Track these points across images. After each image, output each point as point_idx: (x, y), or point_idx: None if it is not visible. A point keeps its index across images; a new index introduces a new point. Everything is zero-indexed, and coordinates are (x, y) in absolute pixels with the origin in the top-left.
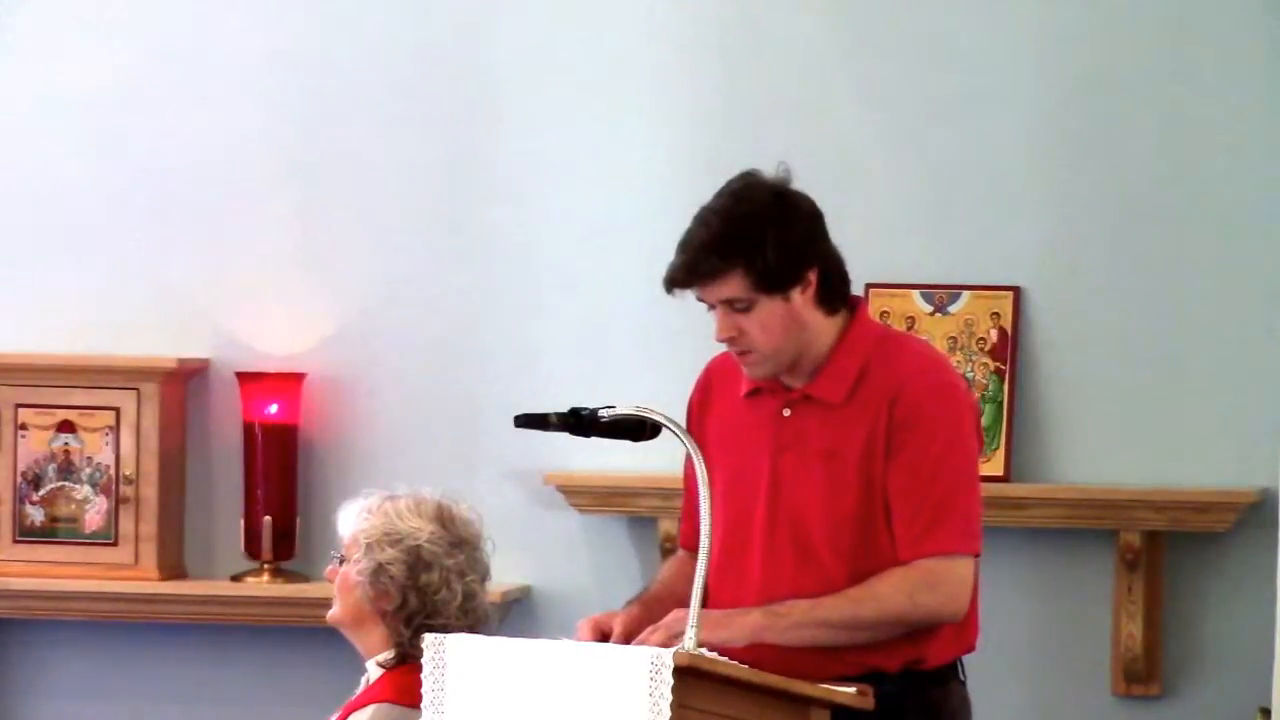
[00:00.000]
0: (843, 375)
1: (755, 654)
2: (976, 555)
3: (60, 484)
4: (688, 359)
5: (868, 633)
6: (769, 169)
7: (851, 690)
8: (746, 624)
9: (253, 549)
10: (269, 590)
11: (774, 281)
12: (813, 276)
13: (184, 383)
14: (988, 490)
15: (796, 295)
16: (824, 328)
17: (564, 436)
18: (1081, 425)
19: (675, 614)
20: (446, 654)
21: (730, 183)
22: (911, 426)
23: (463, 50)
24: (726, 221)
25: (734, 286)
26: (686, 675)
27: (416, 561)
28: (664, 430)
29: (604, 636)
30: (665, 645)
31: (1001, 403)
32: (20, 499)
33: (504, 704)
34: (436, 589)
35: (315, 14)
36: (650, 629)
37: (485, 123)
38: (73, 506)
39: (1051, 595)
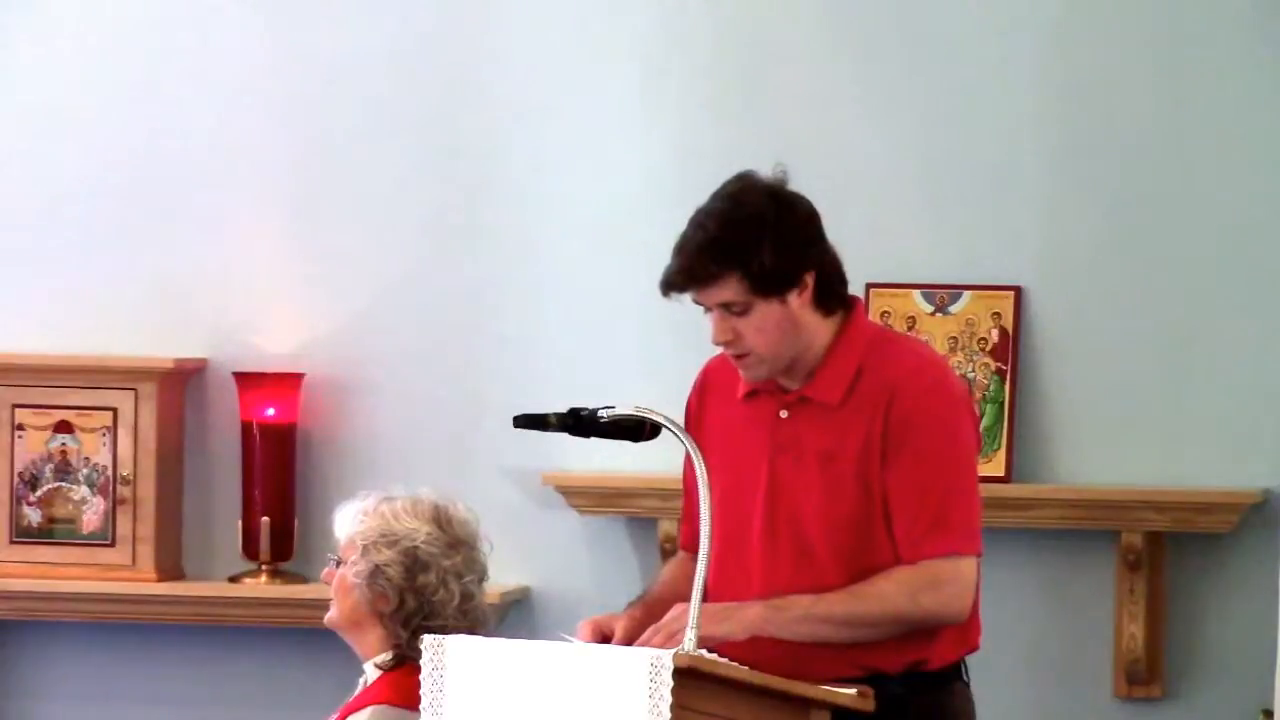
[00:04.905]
0: (839, 376)
1: (756, 654)
2: (978, 555)
3: (57, 484)
4: (688, 359)
5: (868, 630)
6: (769, 168)
7: (852, 691)
8: (747, 617)
9: (251, 550)
10: (267, 591)
11: (771, 285)
12: (809, 279)
13: (182, 383)
14: (989, 491)
15: (793, 298)
16: (820, 329)
17: (563, 437)
18: (1083, 425)
19: (674, 610)
20: (445, 655)
21: (726, 184)
22: (909, 427)
23: (462, 49)
24: (723, 225)
25: (730, 290)
26: (686, 676)
27: (414, 563)
28: (664, 431)
29: (605, 638)
30: (666, 646)
31: (1002, 403)
32: (17, 500)
33: (503, 706)
34: (434, 590)
35: (314, 13)
36: (651, 630)
37: (485, 123)
38: (70, 507)
39: (1053, 596)
